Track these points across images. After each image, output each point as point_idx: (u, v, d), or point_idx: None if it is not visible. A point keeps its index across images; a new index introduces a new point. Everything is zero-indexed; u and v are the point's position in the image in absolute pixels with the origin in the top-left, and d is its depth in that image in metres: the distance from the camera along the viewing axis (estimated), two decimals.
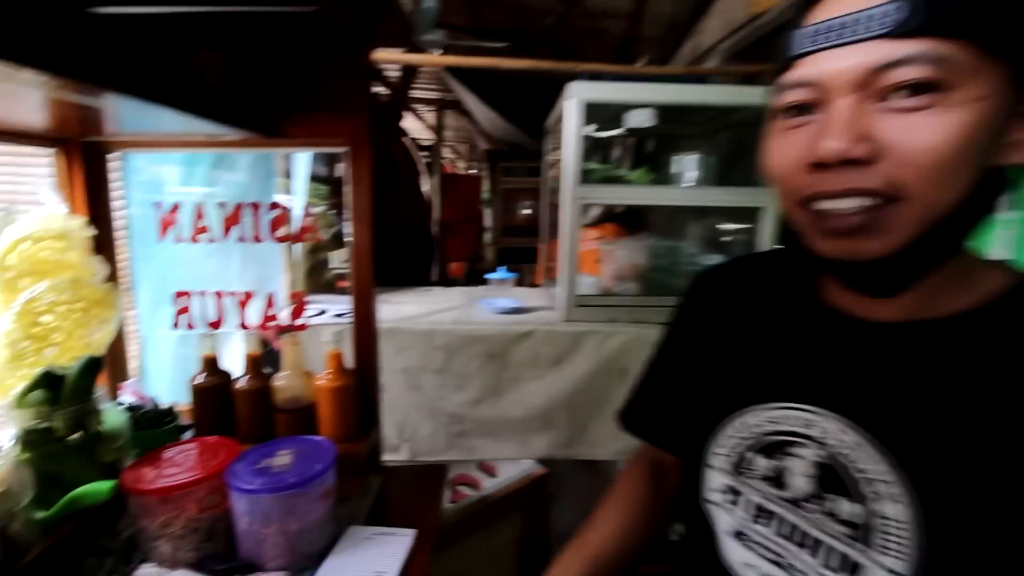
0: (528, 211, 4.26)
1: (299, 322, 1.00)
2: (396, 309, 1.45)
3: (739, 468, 0.50)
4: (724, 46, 2.06)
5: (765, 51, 2.11)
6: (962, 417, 0.39)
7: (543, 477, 1.37)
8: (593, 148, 1.88)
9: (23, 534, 0.63)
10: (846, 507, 0.42)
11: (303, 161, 1.50)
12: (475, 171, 5.47)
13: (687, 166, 1.67)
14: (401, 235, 2.57)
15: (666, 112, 1.40)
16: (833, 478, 0.43)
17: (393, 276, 2.51)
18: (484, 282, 2.01)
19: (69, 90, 0.55)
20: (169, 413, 0.90)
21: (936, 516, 0.38)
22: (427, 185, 4.10)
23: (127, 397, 0.90)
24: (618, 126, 1.37)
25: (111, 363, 0.96)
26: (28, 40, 0.42)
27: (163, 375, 1.13)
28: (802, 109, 0.39)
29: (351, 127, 0.94)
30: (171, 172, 1.28)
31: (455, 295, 1.75)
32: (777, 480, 0.47)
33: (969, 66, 0.33)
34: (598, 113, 1.39)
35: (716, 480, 0.52)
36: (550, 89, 1.63)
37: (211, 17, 0.88)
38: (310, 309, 1.03)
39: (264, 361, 0.93)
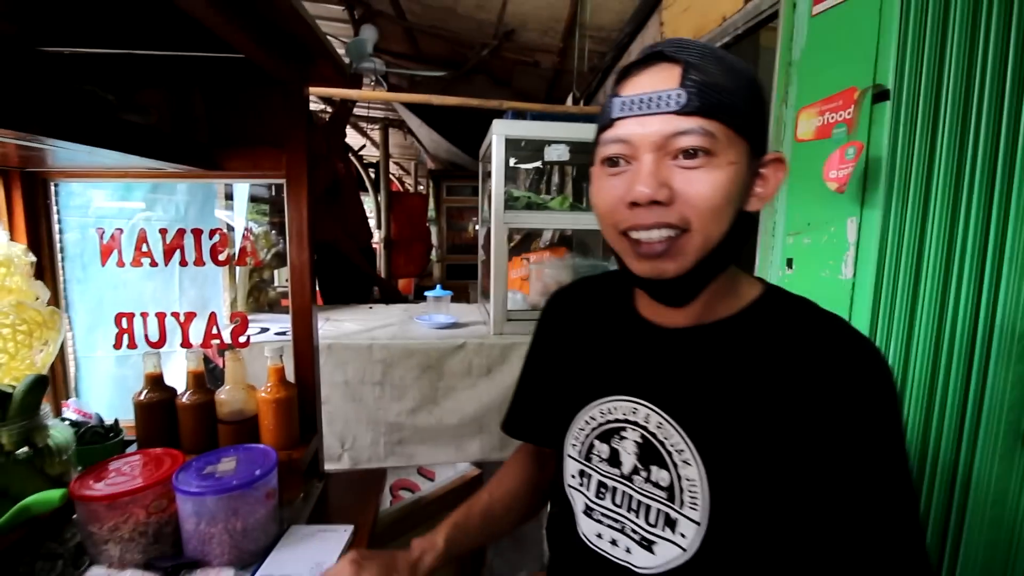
0: (474, 228, 4.39)
1: (241, 339, 1.07)
2: (337, 326, 1.52)
3: (587, 455, 0.61)
4: None
5: None
6: (731, 396, 0.52)
7: (476, 477, 1.48)
8: (518, 177, 2.04)
9: None
10: (662, 475, 0.55)
11: (242, 190, 1.56)
12: (422, 189, 5.54)
13: None
14: (342, 254, 2.63)
15: (580, 146, 1.57)
16: (651, 452, 0.56)
17: (335, 294, 2.55)
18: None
19: (9, 136, 0.62)
20: (114, 428, 0.95)
21: (717, 474, 0.51)
22: (370, 203, 4.14)
23: (71, 414, 0.93)
24: (541, 157, 1.52)
25: (53, 382, 0.99)
26: None
27: (101, 394, 1.16)
28: (616, 162, 0.51)
29: (288, 159, 1.03)
30: (108, 195, 1.31)
31: (394, 312, 1.84)
32: (613, 460, 0.59)
33: (725, 140, 0.48)
34: (521, 146, 1.54)
35: (572, 467, 0.63)
36: (489, 114, 1.76)
37: (150, 59, 0.95)
38: (252, 328, 1.10)
39: (207, 378, 0.99)
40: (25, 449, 0.79)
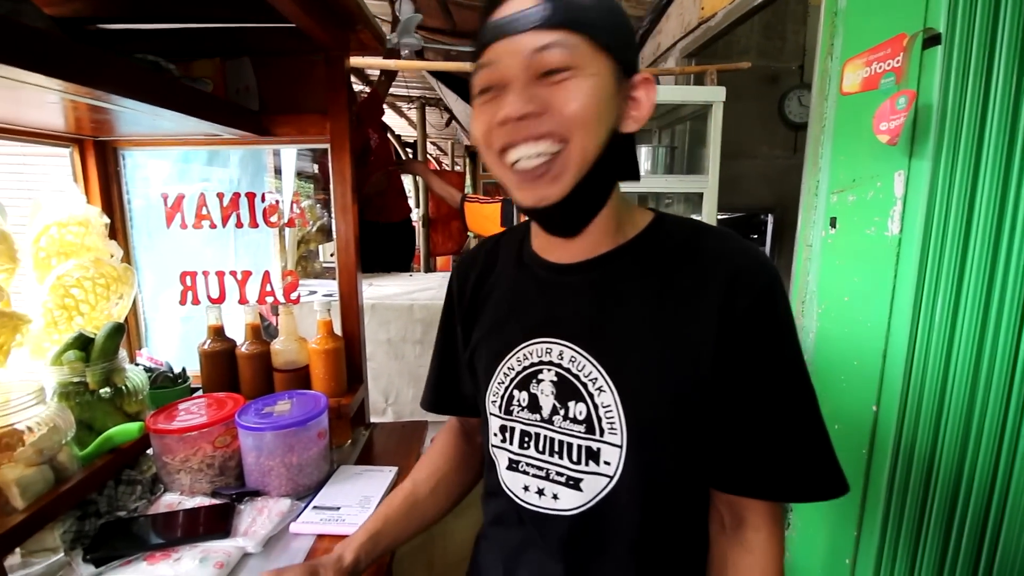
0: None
1: (292, 296, 1.14)
2: (379, 289, 1.59)
3: (507, 408, 0.60)
4: (680, 46, 2.23)
5: (714, 49, 2.28)
6: (632, 317, 0.54)
7: None
8: None
9: (66, 464, 0.76)
10: (579, 408, 0.55)
11: (290, 157, 1.63)
12: (459, 168, 5.58)
13: (641, 157, 1.84)
14: (383, 228, 2.70)
15: None
16: (567, 388, 0.56)
17: (377, 265, 2.64)
18: None
19: (91, 97, 0.68)
20: (182, 375, 1.04)
21: (628, 394, 0.53)
22: (409, 181, 4.20)
23: (144, 362, 1.03)
24: None
25: (127, 333, 1.08)
26: (48, 53, 0.56)
27: (168, 346, 1.26)
28: (488, 89, 0.52)
29: (332, 125, 1.08)
30: (169, 168, 1.40)
31: (434, 278, 1.90)
32: (533, 405, 0.58)
33: (589, 52, 0.48)
34: None
35: (494, 424, 0.62)
36: None
37: (203, 31, 1.01)
38: (301, 290, 1.17)
39: (262, 332, 1.07)
40: (107, 389, 0.87)
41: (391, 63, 2.16)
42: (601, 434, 0.54)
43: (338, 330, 1.10)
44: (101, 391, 0.87)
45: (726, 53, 2.73)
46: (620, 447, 0.53)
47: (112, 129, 1.02)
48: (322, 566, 0.61)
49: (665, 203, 2.18)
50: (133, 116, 0.86)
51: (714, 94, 1.81)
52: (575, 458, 0.55)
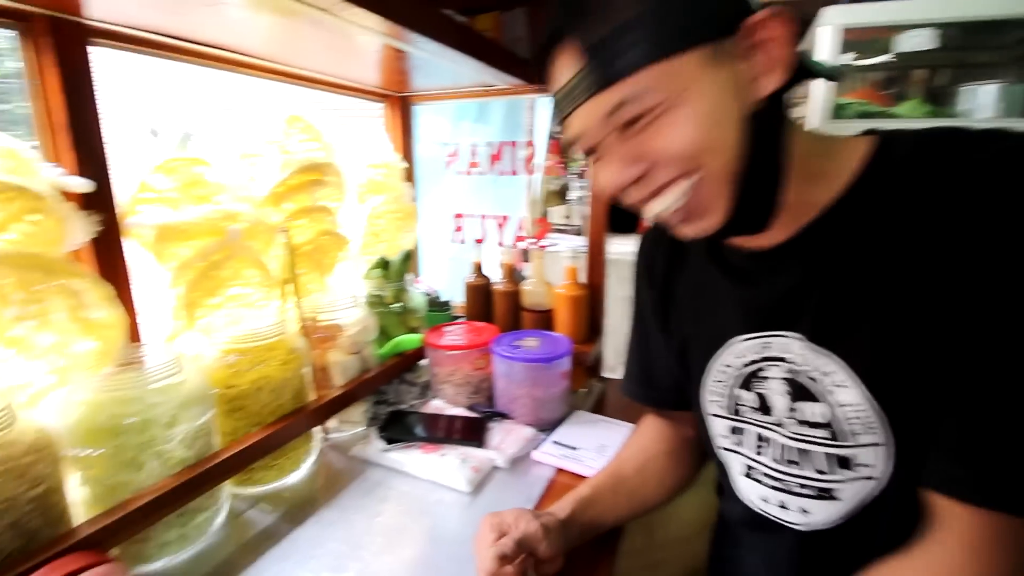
0: None
1: (543, 242, 1.18)
2: (620, 247, 1.56)
3: (735, 409, 0.54)
4: None
5: None
6: (858, 298, 0.43)
7: None
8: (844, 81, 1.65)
9: (369, 358, 0.93)
10: (815, 409, 0.47)
11: (544, 116, 1.70)
12: None
13: (982, 98, 1.35)
14: None
15: (952, 32, 1.15)
16: (798, 387, 0.48)
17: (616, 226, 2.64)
18: None
19: (404, 41, 0.76)
20: (447, 303, 1.18)
21: (882, 385, 0.42)
22: None
23: (421, 287, 1.19)
24: (882, 53, 1.17)
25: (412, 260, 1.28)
26: None
27: (437, 278, 1.45)
28: (591, 152, 0.47)
29: None
30: (445, 123, 1.60)
31: None
32: (763, 407, 0.51)
33: (655, 77, 0.40)
34: (856, 40, 1.21)
35: (720, 426, 0.56)
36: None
37: None
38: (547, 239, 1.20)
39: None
40: (398, 304, 1.04)
41: None
42: (850, 437, 0.45)
43: (582, 280, 1.10)
44: (393, 305, 1.03)
45: None
46: (883, 445, 0.44)
47: (409, 84, 1.18)
48: (535, 515, 0.58)
49: None
50: (430, 66, 0.97)
51: None
52: (821, 467, 0.48)
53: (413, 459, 0.79)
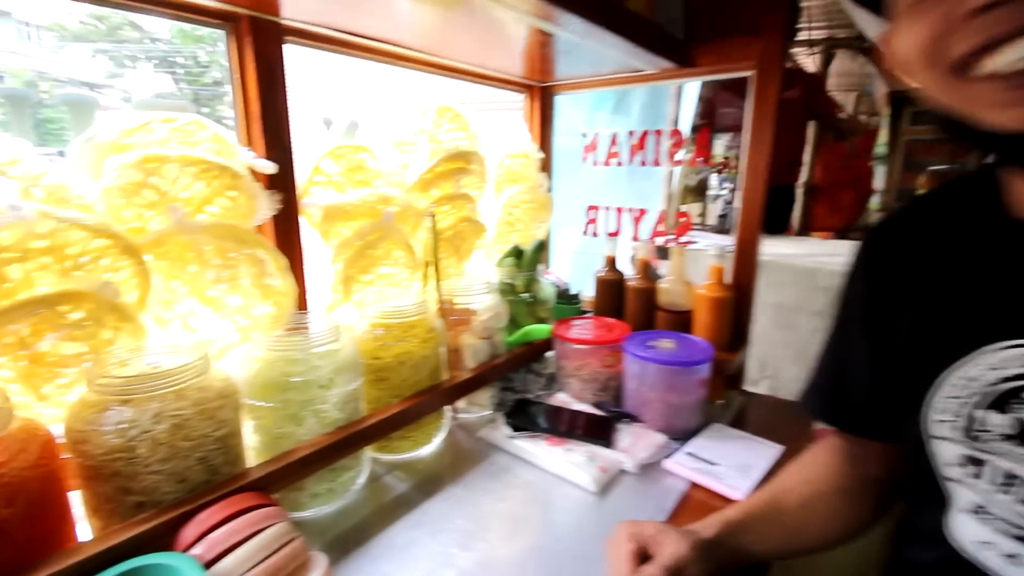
0: (938, 168, 3.30)
1: (683, 239, 1.10)
2: (769, 248, 1.41)
3: (971, 432, 0.44)
4: None
5: None
6: None
7: None
8: None
9: (499, 344, 0.94)
10: None
11: (691, 97, 1.59)
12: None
13: None
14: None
15: None
16: None
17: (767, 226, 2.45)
18: None
19: (549, 21, 0.73)
20: (576, 297, 1.15)
21: None
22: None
23: (551, 278, 1.18)
24: None
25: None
26: None
27: (566, 270, 1.44)
28: None
29: (761, 48, 0.95)
30: (583, 114, 1.57)
31: (840, 245, 1.56)
32: (1022, 437, 0.41)
33: None
34: None
35: (949, 452, 0.45)
36: None
37: None
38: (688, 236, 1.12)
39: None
40: (528, 293, 1.03)
41: None
42: None
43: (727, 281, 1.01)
44: (523, 294, 1.03)
45: None
46: None
47: (551, 72, 1.17)
48: (680, 533, 0.54)
49: None
50: (576, 51, 0.94)
51: None
52: None
53: (539, 449, 0.78)
